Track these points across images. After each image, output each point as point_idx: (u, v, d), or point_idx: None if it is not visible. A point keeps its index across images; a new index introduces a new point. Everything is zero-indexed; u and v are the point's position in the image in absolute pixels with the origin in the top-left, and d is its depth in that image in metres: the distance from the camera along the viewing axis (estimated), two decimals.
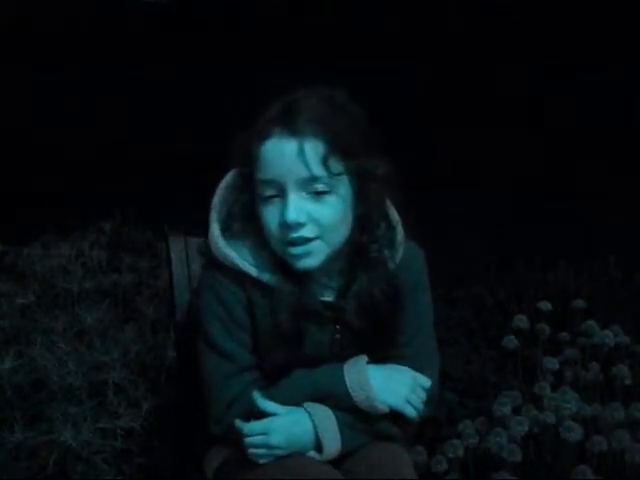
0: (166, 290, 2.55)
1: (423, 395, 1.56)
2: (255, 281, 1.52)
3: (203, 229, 1.64)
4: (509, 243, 4.00)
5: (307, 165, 1.45)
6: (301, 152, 1.45)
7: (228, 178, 1.59)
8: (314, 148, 1.46)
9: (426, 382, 1.57)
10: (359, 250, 1.54)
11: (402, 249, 1.57)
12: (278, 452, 1.48)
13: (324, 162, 1.46)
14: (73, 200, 4.24)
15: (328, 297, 1.56)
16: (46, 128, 5.73)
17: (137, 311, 2.58)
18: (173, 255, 1.79)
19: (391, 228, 1.57)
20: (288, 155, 1.46)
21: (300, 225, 1.46)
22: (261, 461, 1.48)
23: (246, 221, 1.54)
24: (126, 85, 6.36)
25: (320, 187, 1.47)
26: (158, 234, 2.94)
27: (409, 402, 1.54)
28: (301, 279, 1.53)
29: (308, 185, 1.46)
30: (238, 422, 1.48)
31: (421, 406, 1.55)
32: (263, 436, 1.47)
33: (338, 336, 1.57)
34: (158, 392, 2.22)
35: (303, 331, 1.54)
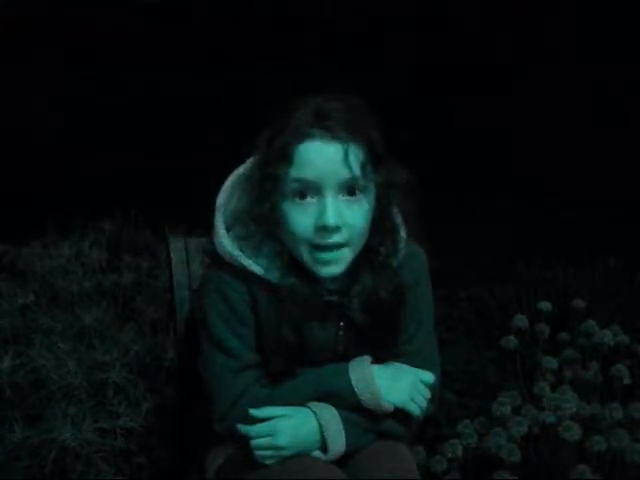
0: (166, 290, 2.55)
1: (426, 392, 1.56)
2: (260, 280, 1.53)
3: (203, 229, 1.64)
4: (509, 243, 4.00)
5: (350, 168, 1.47)
6: (345, 156, 1.46)
7: (232, 178, 1.60)
8: (356, 153, 1.48)
9: (429, 377, 1.57)
10: (368, 253, 1.55)
11: (404, 248, 1.58)
12: (285, 453, 1.48)
13: (363, 167, 1.48)
14: (73, 200, 4.24)
15: (332, 296, 1.56)
16: (46, 128, 5.74)
17: (137, 311, 2.57)
18: (173, 255, 1.79)
19: (394, 227, 1.58)
20: (331, 158, 1.47)
21: (337, 229, 1.47)
22: (268, 462, 1.48)
23: (251, 221, 1.54)
24: (125, 85, 6.36)
25: (356, 191, 1.49)
26: (158, 234, 2.94)
27: (413, 400, 1.54)
28: (307, 279, 1.53)
29: (345, 188, 1.48)
30: (242, 426, 1.49)
31: (424, 403, 1.56)
32: (270, 437, 1.48)
33: (342, 333, 1.58)
34: (158, 392, 2.22)
35: (307, 330, 1.55)
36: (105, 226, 3.02)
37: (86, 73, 6.55)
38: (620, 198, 4.71)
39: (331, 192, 1.47)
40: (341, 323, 1.57)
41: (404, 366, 1.58)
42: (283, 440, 1.48)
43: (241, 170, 1.60)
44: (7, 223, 3.13)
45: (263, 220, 1.51)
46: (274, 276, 1.52)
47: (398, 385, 1.54)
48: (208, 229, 1.60)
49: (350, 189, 1.48)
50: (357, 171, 1.48)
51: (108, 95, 6.23)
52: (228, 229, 1.56)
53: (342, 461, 1.54)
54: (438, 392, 1.66)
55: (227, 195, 1.58)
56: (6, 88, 5.82)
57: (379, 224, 1.55)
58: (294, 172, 1.48)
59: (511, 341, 2.30)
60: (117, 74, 6.54)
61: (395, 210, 1.59)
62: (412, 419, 1.58)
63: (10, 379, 2.17)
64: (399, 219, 1.59)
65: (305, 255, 1.50)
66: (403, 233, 1.59)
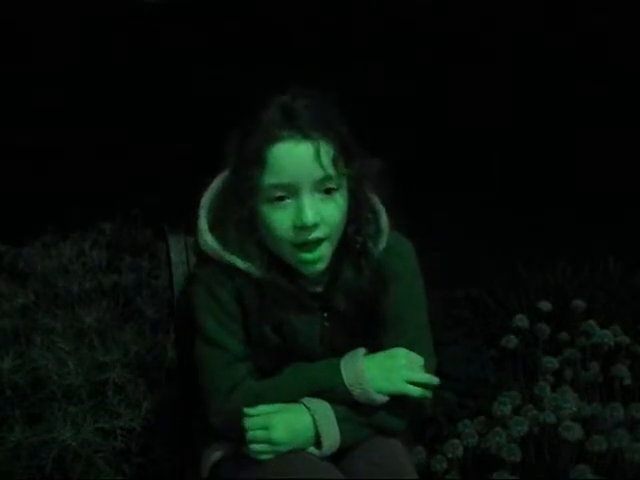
0: (166, 290, 2.55)
1: (421, 372, 1.55)
2: (244, 274, 1.55)
3: None
4: (509, 243, 4.00)
5: (322, 166, 1.49)
6: (317, 155, 1.48)
7: (219, 179, 1.62)
8: (327, 150, 1.50)
9: (419, 360, 1.56)
10: (346, 242, 1.57)
11: (386, 236, 1.60)
12: (281, 449, 1.49)
13: (335, 164, 1.50)
14: (73, 200, 4.24)
15: (316, 288, 1.58)
16: (46, 129, 5.74)
17: (137, 311, 2.57)
18: (173, 255, 1.79)
19: (375, 215, 1.60)
20: (304, 158, 1.49)
21: (316, 226, 1.49)
22: (262, 457, 1.48)
23: (231, 225, 1.55)
24: (126, 85, 6.37)
25: (330, 186, 1.51)
26: (158, 234, 2.94)
27: (410, 382, 1.54)
28: (290, 272, 1.55)
29: (320, 185, 1.50)
30: (246, 409, 1.49)
31: (423, 378, 1.55)
32: (265, 431, 1.48)
33: (327, 324, 1.59)
34: (158, 392, 2.21)
35: (291, 324, 1.56)
36: (105, 226, 3.03)
37: (85, 73, 6.55)
38: (620, 197, 4.71)
39: (307, 191, 1.49)
40: (325, 314, 1.58)
41: (394, 350, 1.56)
42: (278, 434, 1.48)
43: (227, 172, 1.61)
44: (7, 223, 3.13)
45: (243, 224, 1.54)
46: (257, 269, 1.54)
47: (391, 373, 1.53)
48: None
49: (325, 187, 1.51)
50: (330, 169, 1.50)
51: (108, 95, 6.23)
52: (213, 227, 1.58)
53: (337, 458, 1.54)
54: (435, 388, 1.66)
55: (212, 195, 1.60)
56: (5, 88, 5.83)
57: (355, 214, 1.57)
58: (269, 177, 1.50)
59: (511, 341, 2.30)
60: (117, 74, 6.55)
61: (376, 200, 1.61)
62: (408, 410, 1.57)
63: (10, 379, 2.17)
64: (379, 206, 1.61)
65: (289, 255, 1.53)
66: (384, 221, 1.60)
